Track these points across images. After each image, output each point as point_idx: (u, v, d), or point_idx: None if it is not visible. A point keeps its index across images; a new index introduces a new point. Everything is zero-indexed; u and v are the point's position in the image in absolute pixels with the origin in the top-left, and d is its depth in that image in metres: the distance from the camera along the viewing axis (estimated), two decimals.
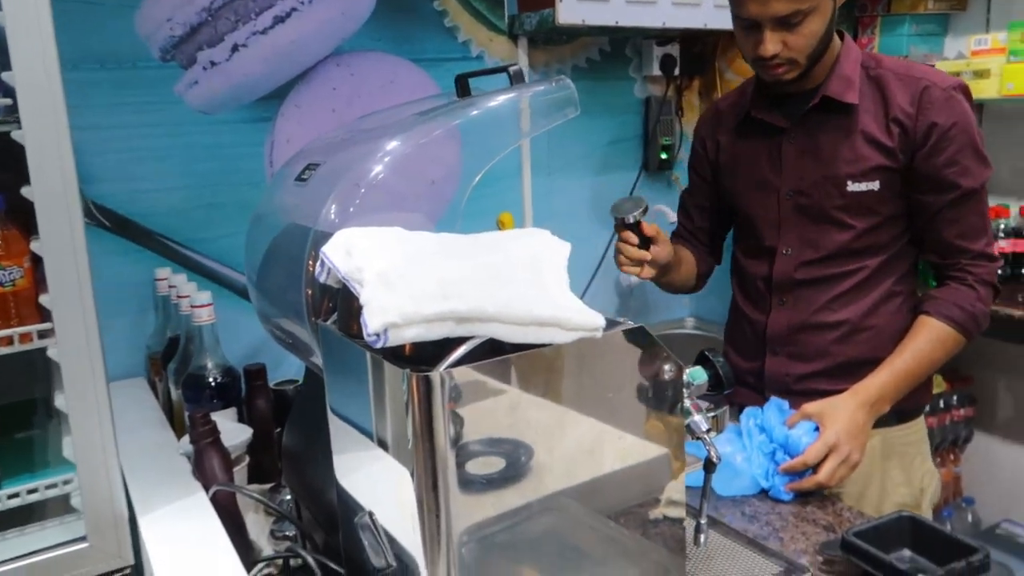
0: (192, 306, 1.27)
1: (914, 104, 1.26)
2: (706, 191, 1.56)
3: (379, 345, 0.58)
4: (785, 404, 1.33)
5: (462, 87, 1.06)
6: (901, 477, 1.41)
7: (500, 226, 2.04)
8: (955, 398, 2.31)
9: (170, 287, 1.44)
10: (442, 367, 0.60)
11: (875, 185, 1.30)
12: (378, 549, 0.71)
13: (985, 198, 1.34)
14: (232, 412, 1.31)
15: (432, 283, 0.61)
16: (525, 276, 0.66)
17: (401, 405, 0.62)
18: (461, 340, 0.63)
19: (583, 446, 0.69)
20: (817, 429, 1.26)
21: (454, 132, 1.20)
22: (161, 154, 1.56)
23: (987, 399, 2.38)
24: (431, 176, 1.18)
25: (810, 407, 1.29)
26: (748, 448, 1.25)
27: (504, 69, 1.00)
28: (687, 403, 0.75)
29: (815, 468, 1.22)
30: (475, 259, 0.67)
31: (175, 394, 1.35)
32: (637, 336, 0.70)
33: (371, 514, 0.73)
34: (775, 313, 1.43)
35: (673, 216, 2.14)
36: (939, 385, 2.27)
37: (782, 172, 1.38)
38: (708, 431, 0.77)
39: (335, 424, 0.79)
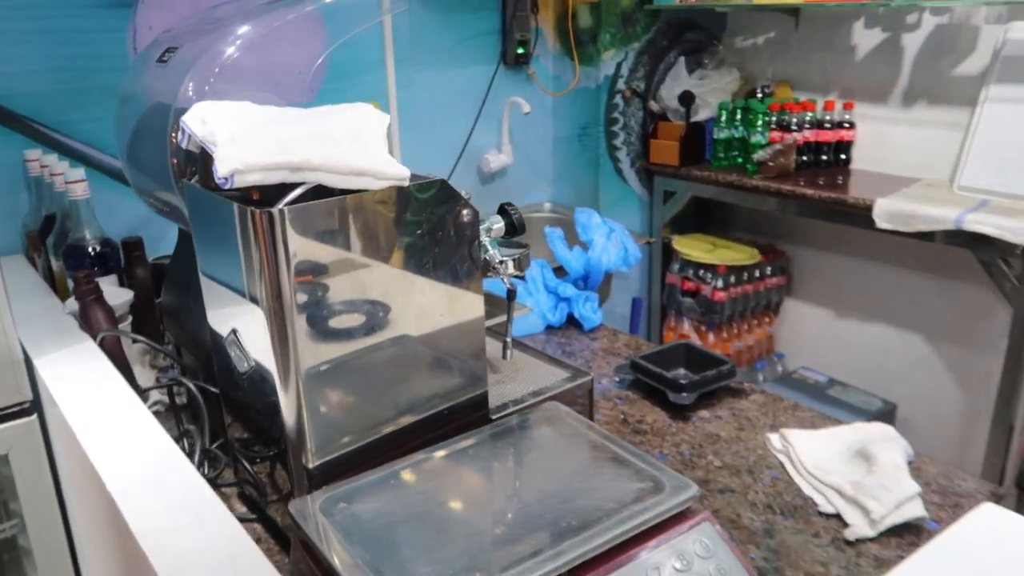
0: (67, 182, 1.38)
1: None
2: None
3: (227, 187, 0.76)
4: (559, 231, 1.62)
5: None
6: None
7: None
8: (769, 269, 2.69)
9: (42, 167, 1.53)
10: (280, 205, 0.79)
11: None
12: (241, 357, 0.92)
13: None
14: (113, 279, 1.45)
15: (270, 141, 0.78)
16: (348, 138, 0.85)
17: (251, 240, 0.81)
18: (296, 187, 0.82)
19: (398, 279, 0.90)
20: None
21: (318, 25, 1.34)
22: (21, 38, 1.60)
23: (797, 269, 2.78)
24: (297, 66, 1.32)
25: None
26: (534, 292, 1.54)
27: None
28: (484, 240, 0.97)
29: None
30: (307, 124, 0.84)
31: (56, 265, 1.47)
32: (440, 187, 0.90)
33: (235, 331, 0.92)
34: None
35: (527, 107, 2.34)
36: (755, 257, 2.63)
37: None
38: (501, 263, 0.99)
39: (203, 267, 0.97)
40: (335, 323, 0.86)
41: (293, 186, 0.82)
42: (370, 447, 0.93)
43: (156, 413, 1.31)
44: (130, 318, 1.40)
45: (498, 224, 1.02)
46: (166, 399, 1.32)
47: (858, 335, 2.61)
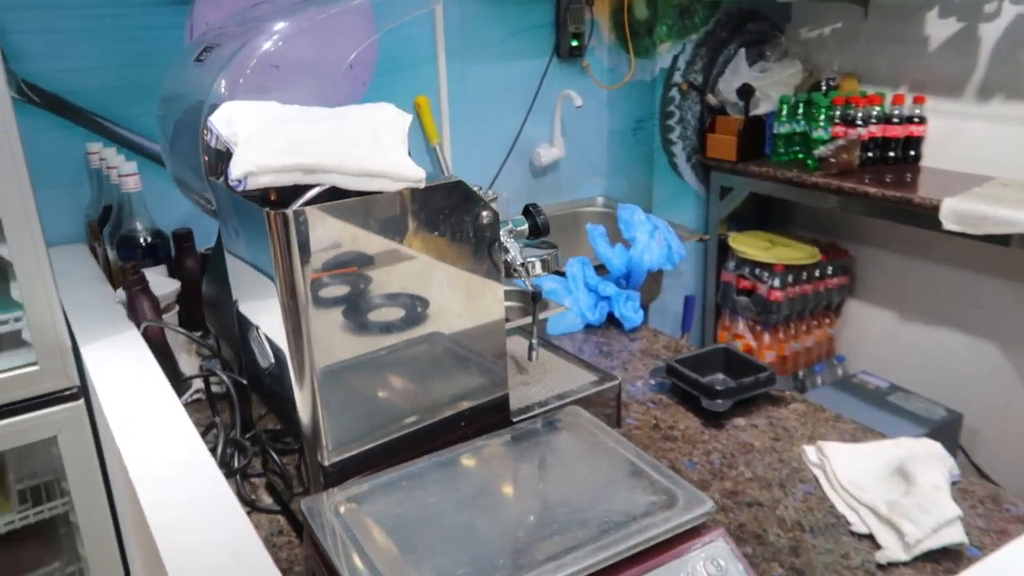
0: (120, 175, 1.43)
1: None
2: None
3: (240, 188, 0.77)
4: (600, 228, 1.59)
5: None
6: None
7: (417, 108, 2.19)
8: (830, 268, 2.59)
9: (101, 160, 1.59)
10: (295, 206, 0.80)
11: None
12: (264, 353, 0.93)
13: None
14: (163, 269, 1.50)
15: (284, 142, 0.79)
16: (366, 139, 0.85)
17: (267, 239, 0.82)
18: (311, 188, 0.82)
19: (416, 280, 0.89)
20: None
21: (366, 18, 1.34)
22: (82, 35, 1.67)
23: (860, 269, 2.67)
24: (340, 61, 1.32)
25: None
26: (574, 290, 1.51)
27: None
28: (504, 241, 0.96)
29: None
30: (325, 125, 0.85)
31: (111, 255, 1.53)
32: (457, 188, 0.90)
33: (258, 328, 0.94)
34: None
35: (579, 100, 2.31)
36: (815, 256, 2.54)
37: None
38: (523, 264, 0.98)
39: (230, 262, 0.99)
40: (351, 322, 0.86)
41: (311, 186, 0.82)
42: (388, 447, 0.94)
43: (196, 401, 1.36)
44: (177, 307, 1.45)
45: (521, 225, 1.01)
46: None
47: (924, 340, 2.49)
